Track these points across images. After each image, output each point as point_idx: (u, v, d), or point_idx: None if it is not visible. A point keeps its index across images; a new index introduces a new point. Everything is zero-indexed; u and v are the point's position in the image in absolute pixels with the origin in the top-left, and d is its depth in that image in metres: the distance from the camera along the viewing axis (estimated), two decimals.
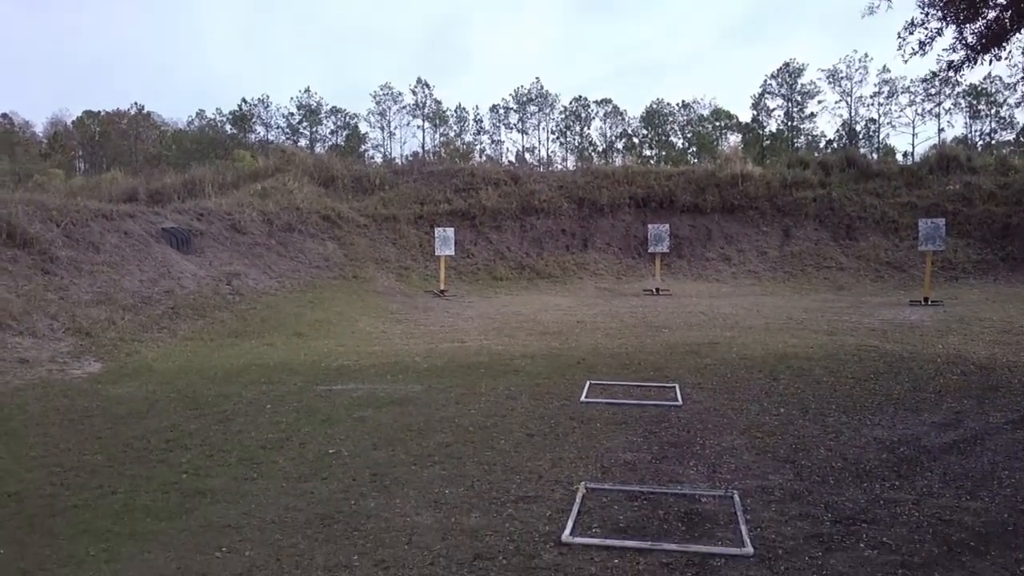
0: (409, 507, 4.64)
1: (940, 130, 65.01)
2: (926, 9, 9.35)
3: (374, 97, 76.61)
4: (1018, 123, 63.27)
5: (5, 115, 71.96)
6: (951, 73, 9.77)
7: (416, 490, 4.93)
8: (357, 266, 17.62)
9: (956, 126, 79.41)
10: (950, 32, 9.36)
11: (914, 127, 69.23)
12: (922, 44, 9.66)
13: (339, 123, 77.05)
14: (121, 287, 11.84)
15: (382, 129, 76.62)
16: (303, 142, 71.57)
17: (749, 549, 4.02)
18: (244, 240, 16.29)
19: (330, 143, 73.65)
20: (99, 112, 75.35)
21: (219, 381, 8.46)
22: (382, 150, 74.41)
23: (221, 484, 5.15)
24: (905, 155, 57.67)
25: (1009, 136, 62.66)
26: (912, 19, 9.68)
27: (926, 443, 6.01)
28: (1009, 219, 18.41)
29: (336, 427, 6.55)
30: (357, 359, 9.74)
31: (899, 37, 9.92)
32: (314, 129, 76.11)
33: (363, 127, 76.94)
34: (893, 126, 69.26)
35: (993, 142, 59.75)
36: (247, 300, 13.55)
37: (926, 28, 9.59)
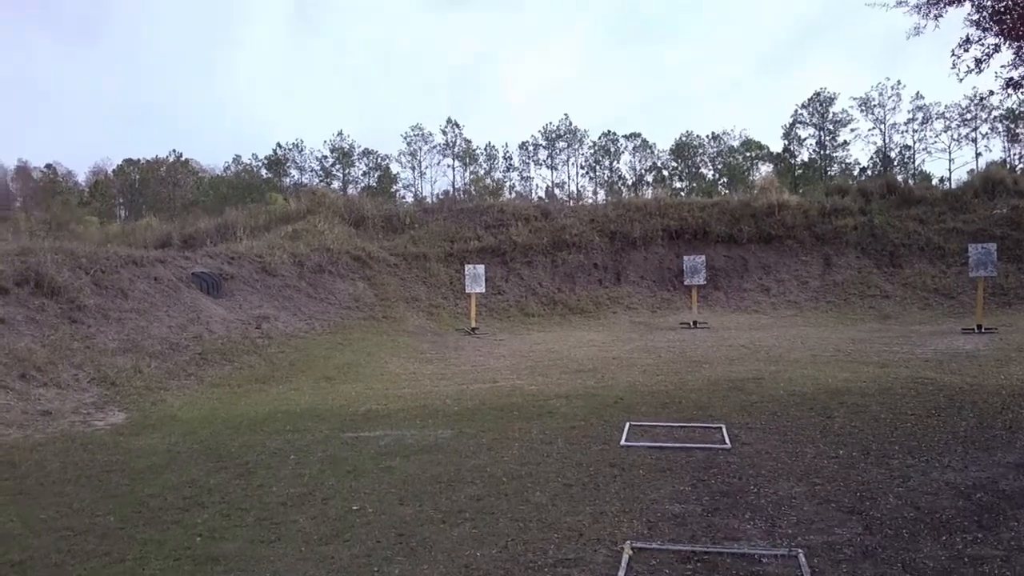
0: (437, 574, 4.23)
1: (977, 154, 63.65)
2: (982, 26, 8.94)
3: (405, 138, 77.67)
4: None
5: (49, 166, 74.25)
6: (1011, 91, 9.30)
7: (444, 553, 4.52)
8: (387, 306, 17.39)
9: (994, 150, 77.85)
10: (1008, 49, 8.91)
11: (950, 152, 67.86)
12: (978, 62, 9.22)
13: (371, 164, 78.07)
14: (149, 334, 11.69)
15: (413, 169, 77.44)
16: (336, 184, 72.53)
17: None
18: (274, 282, 16.18)
19: (362, 184, 74.55)
20: (139, 160, 77.36)
21: (244, 430, 8.15)
22: (413, 190, 75.14)
23: (236, 549, 4.78)
24: (942, 180, 56.52)
25: None
26: (967, 36, 9.26)
27: (1005, 487, 5.44)
28: None
29: (361, 479, 6.17)
30: (385, 403, 9.39)
31: (953, 55, 9.49)
32: (346, 171, 77.17)
33: (394, 167, 77.89)
34: (929, 152, 67.93)
35: None
36: (276, 343, 13.34)
37: (982, 45, 9.17)
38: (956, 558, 4.30)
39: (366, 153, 77.64)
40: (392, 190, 71.83)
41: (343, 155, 76.61)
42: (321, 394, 10.18)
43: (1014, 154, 63.31)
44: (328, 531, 5.05)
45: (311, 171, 76.70)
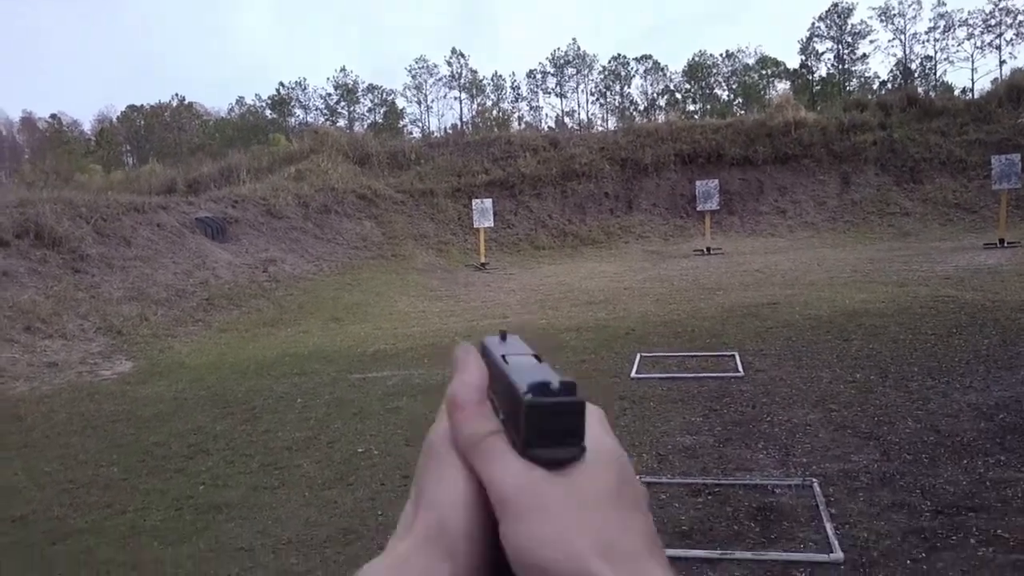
0: None
1: (1001, 62, 61.29)
2: None
3: (410, 71, 76.02)
4: None
5: (54, 116, 73.64)
6: None
7: None
8: (395, 244, 17.18)
9: (1019, 57, 75.02)
10: None
11: (973, 62, 65.25)
12: None
13: (376, 100, 76.72)
14: (154, 281, 11.61)
15: (419, 103, 76.02)
16: (342, 122, 71.50)
17: (839, 554, 3.39)
18: (280, 225, 15.99)
19: (368, 121, 73.45)
20: (142, 106, 76.52)
21: (251, 375, 8.09)
22: (420, 125, 73.96)
23: (239, 496, 4.72)
24: (964, 91, 54.59)
25: None
26: None
27: None
28: None
29: (367, 421, 6.08)
30: (394, 343, 9.28)
31: None
32: (352, 108, 75.96)
33: (400, 103, 76.46)
34: (951, 62, 65.62)
35: None
36: (283, 286, 13.23)
37: None
38: (978, 482, 4.14)
39: (371, 89, 76.22)
40: (399, 126, 70.72)
41: (347, 92, 75.27)
42: (329, 336, 10.10)
43: None
44: (332, 475, 4.98)
45: (316, 110, 75.55)
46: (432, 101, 75.78)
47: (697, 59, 73.06)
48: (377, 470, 4.95)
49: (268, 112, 75.42)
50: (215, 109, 78.81)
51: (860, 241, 16.50)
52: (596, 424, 0.40)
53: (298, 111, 75.55)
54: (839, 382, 6.19)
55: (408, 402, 6.51)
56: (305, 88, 75.70)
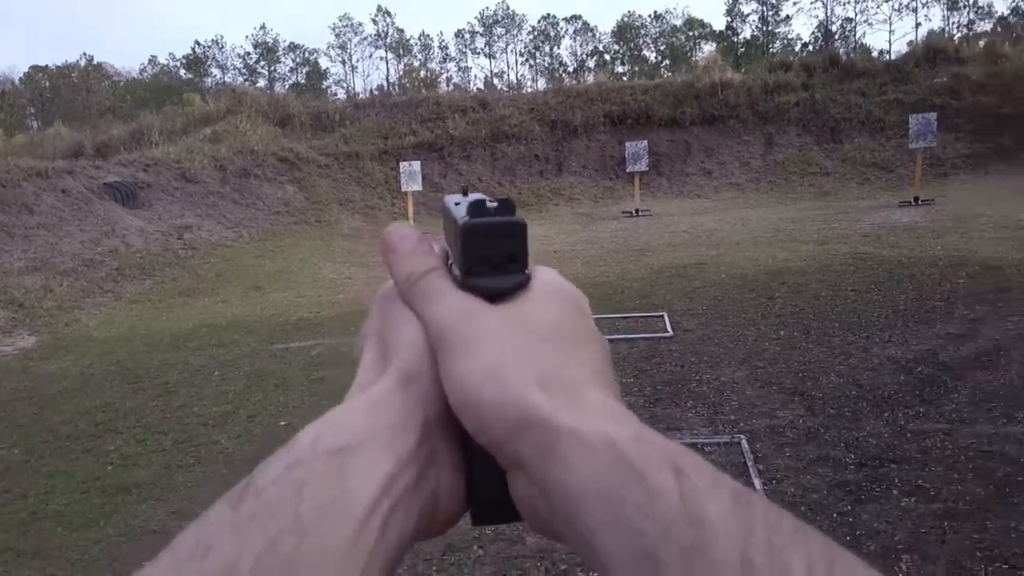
0: None
1: (917, 24, 63.48)
2: None
3: (333, 30, 73.65)
4: (997, 11, 61.84)
5: None
6: None
7: None
8: (319, 209, 16.63)
9: (934, 19, 77.78)
10: None
11: (891, 23, 67.35)
12: None
13: (298, 60, 74.24)
14: (59, 251, 10.91)
15: (344, 63, 73.97)
16: (261, 82, 68.89)
17: None
18: (196, 190, 15.24)
19: (290, 81, 71.00)
20: (47, 67, 72.00)
21: (165, 347, 7.70)
22: (344, 85, 71.99)
23: (150, 476, 4.46)
24: (882, 53, 56.31)
25: (987, 26, 61.27)
26: None
27: (945, 359, 5.41)
28: (1000, 109, 17.55)
29: (290, 393, 5.85)
30: (319, 311, 8.98)
31: None
32: (272, 68, 73.28)
33: (324, 62, 74.33)
34: (870, 24, 67.51)
35: (971, 33, 58.32)
36: (200, 254, 12.65)
37: None
38: (899, 434, 4.23)
39: (292, 48, 73.65)
40: (322, 87, 68.62)
41: (267, 51, 72.52)
42: (250, 305, 9.70)
43: (953, 23, 63.35)
44: (253, 451, 4.76)
45: (234, 69, 72.60)
46: (357, 61, 73.81)
47: (626, 20, 73.16)
48: None
49: (183, 72, 72.12)
50: (126, 70, 74.89)
51: (782, 201, 16.84)
52: (549, 269, 0.40)
53: (215, 71, 72.51)
54: (764, 339, 6.27)
55: (333, 372, 6.29)
56: (222, 47, 72.63)
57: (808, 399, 4.89)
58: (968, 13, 63.55)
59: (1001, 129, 17.33)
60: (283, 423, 5.18)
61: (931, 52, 20.21)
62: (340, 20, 73.40)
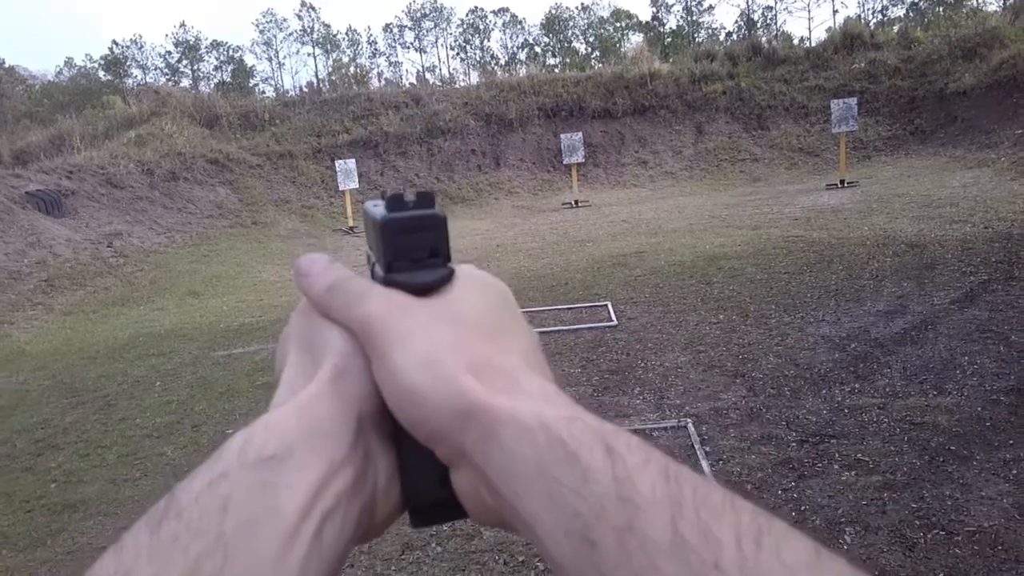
0: None
1: (835, 11, 65.62)
2: None
3: (257, 26, 71.91)
4: None
5: None
6: None
7: None
8: (255, 211, 16.28)
9: (850, 6, 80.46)
10: None
11: (809, 11, 69.74)
12: None
13: (222, 58, 72.21)
14: None
15: (270, 60, 72.33)
16: (185, 82, 66.83)
17: None
18: (123, 195, 14.73)
19: (215, 80, 69.05)
20: None
21: (102, 359, 7.46)
22: (272, 83, 70.41)
23: (96, 492, 4.33)
24: (803, 40, 58.02)
25: (900, 11, 63.78)
26: None
27: (876, 335, 5.66)
28: (915, 92, 18.37)
29: (236, 400, 5.75)
30: (260, 315, 8.82)
31: None
32: (196, 67, 71.13)
33: (249, 60, 72.47)
34: (789, 11, 69.48)
35: (885, 19, 60.67)
36: (132, 261, 12.25)
37: None
38: (836, 410, 4.42)
39: (215, 45, 71.59)
40: (249, 85, 67.00)
41: (189, 49, 70.35)
42: (188, 312, 9.46)
43: (869, 8, 65.70)
44: (200, 460, 4.58)
45: (156, 69, 70.22)
46: (284, 57, 72.33)
47: (554, 12, 73.52)
48: None
49: (102, 73, 69.30)
50: (41, 72, 71.45)
51: (715, 188, 17.27)
52: (474, 268, 0.40)
53: (135, 71, 69.94)
54: (705, 324, 6.45)
55: None
56: (142, 46, 70.13)
57: (749, 380, 5.06)
58: None
59: (917, 111, 18.13)
60: (230, 431, 5.06)
61: (848, 38, 20.94)
62: (263, 16, 71.72)
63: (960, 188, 11.97)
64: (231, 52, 72.01)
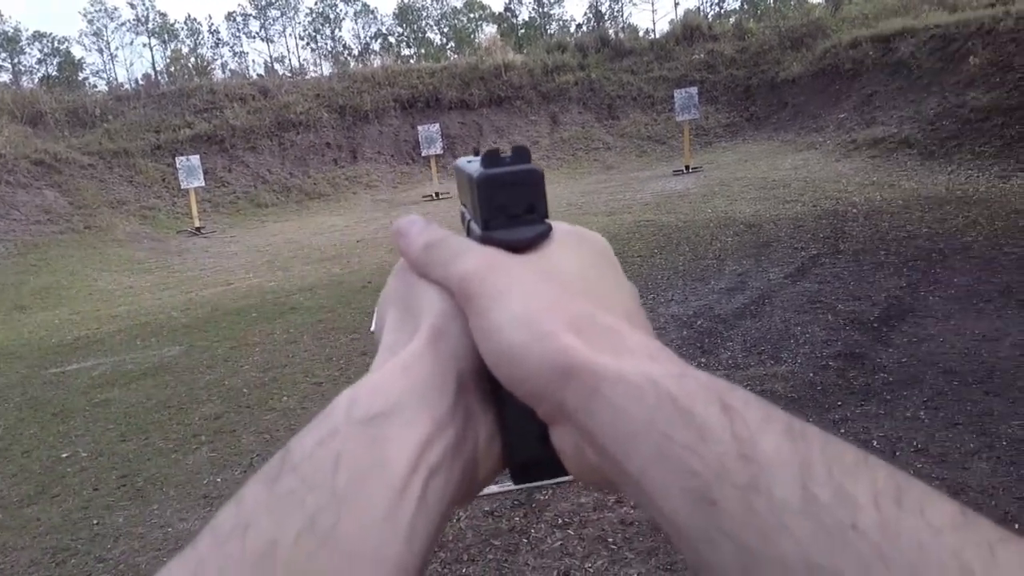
0: (170, 513, 3.72)
1: (676, 3, 69.00)
2: None
3: (85, 16, 66.48)
4: None
5: None
6: None
7: (178, 487, 3.99)
8: (88, 214, 15.03)
9: None
10: None
11: (653, 3, 72.82)
12: None
13: (47, 50, 66.25)
14: None
15: (101, 52, 67.13)
16: (5, 76, 60.75)
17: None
18: None
19: (39, 74, 63.25)
20: None
21: None
22: (105, 76, 65.41)
23: None
24: (647, 32, 60.64)
25: (735, 3, 67.94)
26: None
27: (719, 312, 6.00)
28: (750, 81, 19.64)
29: (71, 421, 5.29)
30: (98, 326, 8.18)
31: None
32: (16, 60, 64.85)
33: (77, 52, 66.98)
34: (634, 3, 72.30)
35: (722, 11, 64.48)
36: None
37: None
38: None
39: (38, 37, 65.59)
40: (79, 78, 61.87)
41: (8, 41, 64.02)
42: (14, 328, 8.62)
43: (706, 1, 69.56)
44: (32, 489, 4.27)
45: None
46: (117, 49, 67.39)
47: (407, 2, 72.76)
48: (88, 475, 4.32)
49: None
50: None
51: (572, 177, 17.71)
52: (572, 225, 0.40)
53: None
54: None
55: (121, 392, 5.77)
56: None
57: None
58: None
59: (752, 99, 19.40)
60: (65, 455, 4.68)
61: (688, 30, 22.07)
62: (92, 5, 66.38)
63: (792, 170, 12.93)
64: (56, 43, 66.20)
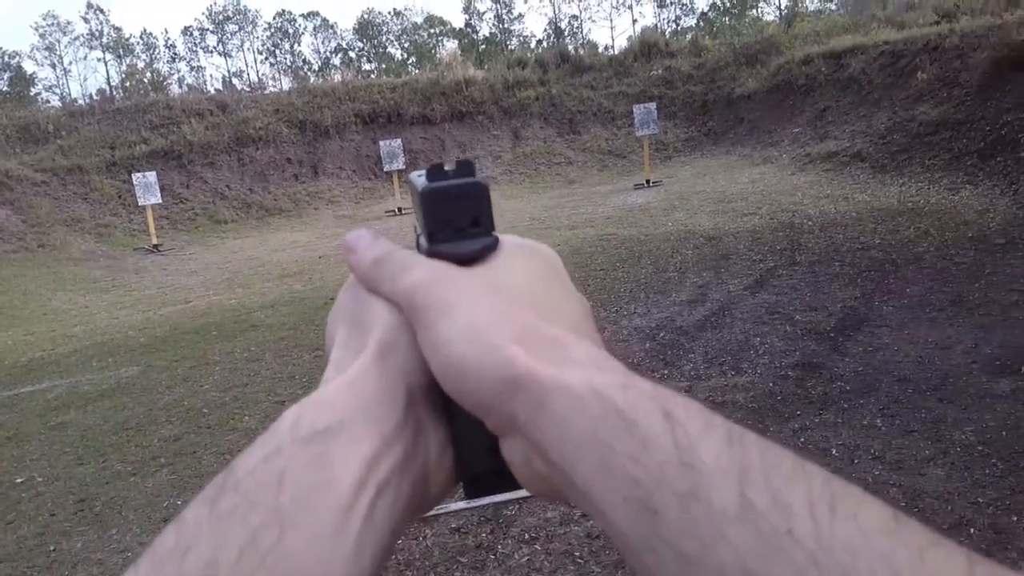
0: (130, 537, 3.64)
1: (634, 21, 70.12)
2: None
3: (37, 30, 65.09)
4: (699, 8, 70.04)
5: None
6: None
7: (137, 510, 3.91)
8: (41, 232, 14.67)
9: (647, 16, 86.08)
10: None
11: (612, 20, 73.85)
12: None
13: None
14: None
15: (54, 67, 65.77)
16: None
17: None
18: None
19: None
20: None
21: None
22: (58, 91, 64.07)
23: None
24: (607, 48, 61.43)
25: (691, 21, 69.28)
26: None
27: (681, 324, 6.09)
28: (707, 96, 20.01)
29: (26, 445, 5.15)
30: (52, 347, 7.98)
31: None
32: None
33: (29, 66, 65.43)
34: (593, 20, 73.29)
35: (678, 28, 65.68)
36: None
37: None
38: None
39: None
40: (31, 94, 60.50)
41: None
42: None
43: (663, 18, 70.78)
44: None
45: None
46: (70, 64, 66.08)
47: (367, 17, 72.73)
48: (44, 499, 4.21)
49: None
50: None
51: (534, 191, 17.83)
52: (519, 238, 0.40)
53: None
54: None
55: (77, 415, 5.64)
56: None
57: None
58: (675, 9, 71.44)
59: (709, 114, 19.76)
60: (20, 480, 4.56)
61: (646, 47, 22.42)
62: (44, 19, 65.11)
63: (749, 184, 13.19)
64: (7, 58, 64.66)
